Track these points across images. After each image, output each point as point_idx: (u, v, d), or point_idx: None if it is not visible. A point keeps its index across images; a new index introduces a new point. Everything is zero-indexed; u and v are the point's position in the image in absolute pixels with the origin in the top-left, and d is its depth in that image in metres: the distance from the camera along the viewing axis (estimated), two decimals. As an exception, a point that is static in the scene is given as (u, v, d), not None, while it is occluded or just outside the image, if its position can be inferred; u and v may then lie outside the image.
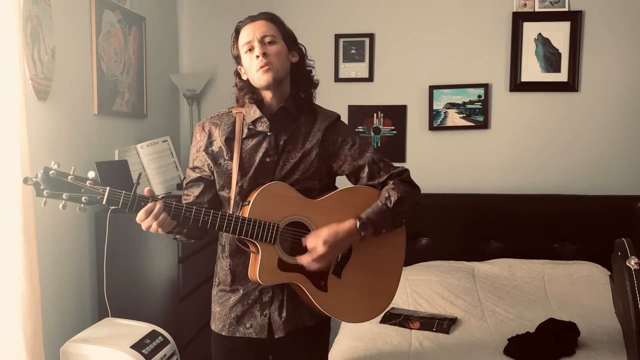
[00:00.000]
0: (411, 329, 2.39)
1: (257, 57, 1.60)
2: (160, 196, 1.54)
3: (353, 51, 3.35)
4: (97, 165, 2.46)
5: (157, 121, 3.19)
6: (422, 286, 2.77)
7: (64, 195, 1.41)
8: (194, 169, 1.72)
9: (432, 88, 3.30)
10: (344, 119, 3.33)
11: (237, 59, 1.69)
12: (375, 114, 3.36)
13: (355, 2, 3.34)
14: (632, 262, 1.83)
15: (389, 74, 3.35)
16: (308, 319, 1.71)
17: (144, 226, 1.51)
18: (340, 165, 1.72)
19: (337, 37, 3.35)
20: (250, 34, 1.63)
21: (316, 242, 1.57)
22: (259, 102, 1.67)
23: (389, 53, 3.34)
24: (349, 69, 3.36)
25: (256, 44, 1.61)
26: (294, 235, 1.62)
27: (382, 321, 2.46)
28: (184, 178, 1.83)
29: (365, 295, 1.71)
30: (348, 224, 1.61)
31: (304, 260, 1.58)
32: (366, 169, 1.71)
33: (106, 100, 2.63)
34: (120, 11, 2.74)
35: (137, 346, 2.13)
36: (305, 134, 1.68)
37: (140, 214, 1.49)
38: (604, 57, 3.20)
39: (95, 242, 2.52)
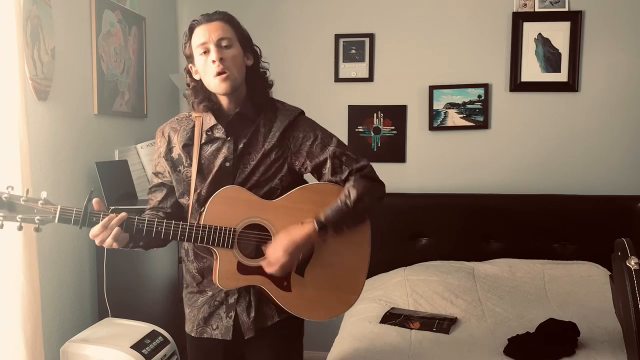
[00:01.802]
0: (411, 329, 2.39)
1: (214, 61, 1.57)
2: (111, 209, 1.54)
3: (353, 51, 3.35)
4: (97, 165, 2.46)
5: (157, 121, 3.17)
6: (422, 286, 2.77)
7: (18, 217, 1.47)
8: (156, 174, 1.72)
9: (432, 88, 3.30)
10: (344, 118, 3.41)
11: (190, 58, 1.65)
12: (375, 114, 3.36)
13: (355, 2, 3.34)
14: (632, 262, 1.83)
15: (389, 74, 3.34)
16: (277, 315, 1.69)
17: (97, 241, 1.51)
18: (303, 163, 1.67)
19: (337, 37, 3.35)
20: (205, 35, 1.59)
21: (275, 251, 1.56)
22: (215, 108, 1.65)
23: (389, 53, 3.34)
24: (349, 69, 3.36)
25: (212, 47, 1.58)
26: (253, 238, 1.61)
27: (382, 321, 2.45)
28: None
29: (331, 292, 1.69)
30: (306, 228, 1.58)
31: (266, 269, 1.58)
32: (328, 164, 1.66)
33: (106, 100, 2.63)
34: (120, 11, 2.74)
35: (137, 346, 2.13)
36: (265, 134, 1.65)
37: (97, 228, 1.49)
38: (604, 57, 3.19)
39: (95, 242, 2.51)
